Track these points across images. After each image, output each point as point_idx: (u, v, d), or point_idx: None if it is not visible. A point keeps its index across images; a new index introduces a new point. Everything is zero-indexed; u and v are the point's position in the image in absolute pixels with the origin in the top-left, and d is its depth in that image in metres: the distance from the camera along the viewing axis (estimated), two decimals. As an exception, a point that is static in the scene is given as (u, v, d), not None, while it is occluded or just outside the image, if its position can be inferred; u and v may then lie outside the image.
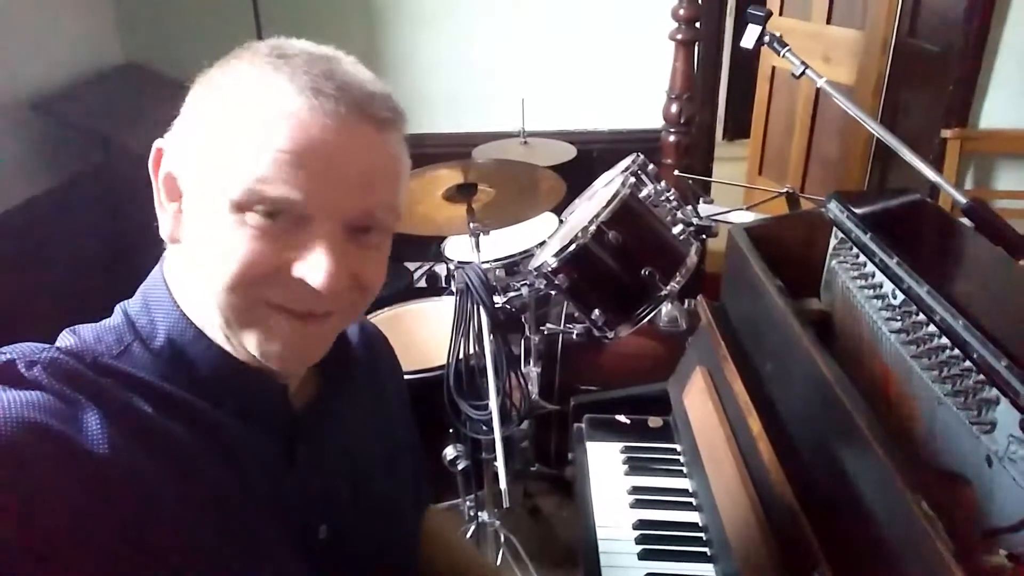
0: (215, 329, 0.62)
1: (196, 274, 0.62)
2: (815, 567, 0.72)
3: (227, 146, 0.58)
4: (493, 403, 1.44)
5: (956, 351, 0.82)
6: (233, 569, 0.62)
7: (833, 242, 1.13)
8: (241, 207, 0.57)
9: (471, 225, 1.48)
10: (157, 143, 0.64)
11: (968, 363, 0.80)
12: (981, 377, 0.78)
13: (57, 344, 0.62)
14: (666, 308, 1.97)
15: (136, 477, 0.56)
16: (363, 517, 0.76)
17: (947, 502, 0.72)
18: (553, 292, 2.14)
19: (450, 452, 1.64)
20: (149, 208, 0.64)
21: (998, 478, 0.74)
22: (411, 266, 2.73)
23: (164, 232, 0.64)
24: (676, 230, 1.56)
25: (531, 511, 2.04)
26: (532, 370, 2.08)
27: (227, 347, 0.63)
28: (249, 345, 0.61)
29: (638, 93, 2.86)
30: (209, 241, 0.59)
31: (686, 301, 2.00)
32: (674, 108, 2.47)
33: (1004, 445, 0.73)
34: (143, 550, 0.56)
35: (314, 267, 0.58)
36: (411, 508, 0.91)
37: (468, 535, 1.75)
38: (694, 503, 1.11)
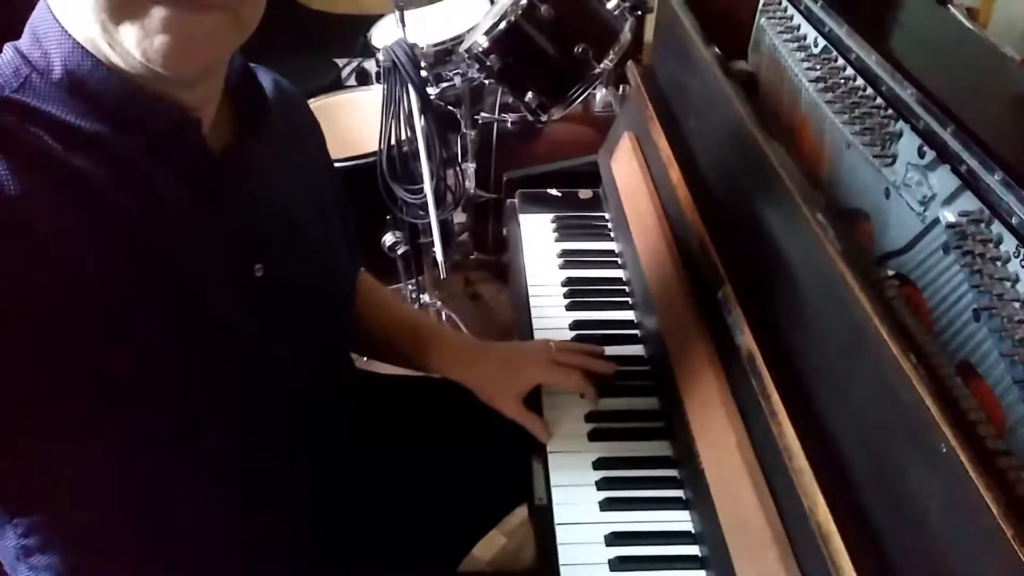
0: (105, 47, 0.59)
1: None
2: (720, 287, 0.78)
3: None
4: (427, 185, 1.45)
5: (868, 91, 0.85)
6: (167, 308, 0.63)
7: (763, -2, 1.11)
8: None
9: (394, -2, 1.40)
10: None
11: (879, 101, 0.84)
12: (889, 112, 0.82)
13: None
14: (600, 93, 1.95)
15: (55, 216, 0.56)
16: (298, 258, 0.77)
17: (847, 234, 0.77)
18: (487, 81, 2.09)
19: (389, 239, 1.66)
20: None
21: (894, 208, 0.80)
22: (340, 63, 2.60)
23: None
24: (611, 4, 1.51)
25: (472, 296, 2.13)
26: (469, 166, 2.07)
27: (120, 64, 0.60)
28: (131, 46, 0.57)
29: None
30: None
31: (620, 87, 1.98)
32: None
33: (902, 174, 0.78)
34: (68, 296, 0.56)
35: None
36: (345, 258, 0.93)
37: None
38: (619, 262, 1.17)
